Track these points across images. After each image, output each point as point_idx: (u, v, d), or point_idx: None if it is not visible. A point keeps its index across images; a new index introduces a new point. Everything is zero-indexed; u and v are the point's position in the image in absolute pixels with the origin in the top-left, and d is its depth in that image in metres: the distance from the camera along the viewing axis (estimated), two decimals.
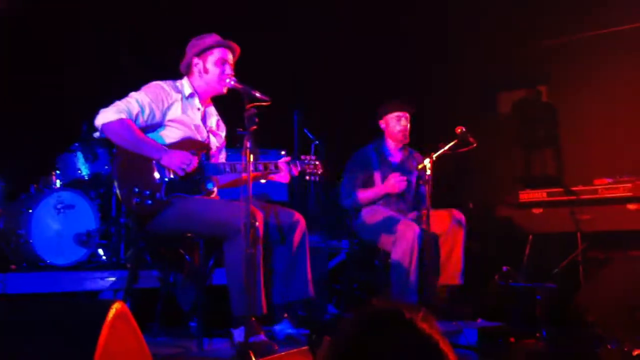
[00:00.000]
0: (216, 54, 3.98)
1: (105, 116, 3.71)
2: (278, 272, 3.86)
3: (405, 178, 5.19)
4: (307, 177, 3.93)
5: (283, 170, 3.89)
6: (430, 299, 4.77)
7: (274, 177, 3.99)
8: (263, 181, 4.08)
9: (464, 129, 4.94)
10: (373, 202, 5.23)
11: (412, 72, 7.36)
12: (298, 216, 3.92)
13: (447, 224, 5.05)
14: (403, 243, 4.83)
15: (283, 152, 5.72)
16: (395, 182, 5.16)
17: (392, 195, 5.23)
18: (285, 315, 3.89)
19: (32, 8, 5.91)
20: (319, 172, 3.92)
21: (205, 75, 3.99)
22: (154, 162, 3.74)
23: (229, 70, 3.97)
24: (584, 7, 6.65)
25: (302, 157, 3.94)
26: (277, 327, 3.86)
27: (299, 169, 3.91)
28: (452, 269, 5.02)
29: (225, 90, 3.99)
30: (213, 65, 3.97)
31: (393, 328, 1.46)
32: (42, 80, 6.01)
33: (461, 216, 5.10)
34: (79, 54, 6.16)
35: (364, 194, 5.22)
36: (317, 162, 3.94)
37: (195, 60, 4.00)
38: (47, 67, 6.02)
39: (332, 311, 5.31)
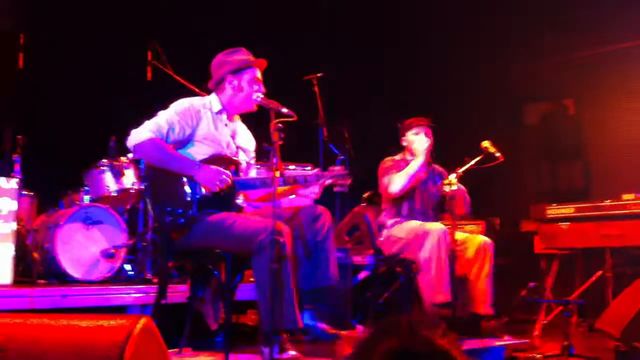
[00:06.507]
0: (251, 72, 3.97)
1: (136, 137, 3.73)
2: (301, 259, 3.76)
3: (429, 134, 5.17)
4: (336, 189, 3.88)
5: (312, 184, 3.82)
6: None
7: (304, 196, 3.91)
8: (292, 196, 4.03)
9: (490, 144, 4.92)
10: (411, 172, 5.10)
11: (438, 86, 7.35)
12: (322, 209, 3.85)
13: (474, 251, 4.93)
14: (433, 241, 4.75)
15: (308, 167, 5.73)
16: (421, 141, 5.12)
17: (415, 208, 5.20)
18: (309, 306, 3.78)
19: (58, 27, 6.00)
20: (348, 184, 3.84)
21: (239, 94, 3.97)
22: (185, 179, 3.74)
23: (261, 88, 3.97)
24: (611, 20, 6.60)
25: (330, 168, 3.86)
26: None
27: (329, 181, 3.83)
28: (480, 298, 4.86)
29: (255, 107, 3.98)
30: (247, 84, 3.95)
31: (408, 344, 1.44)
32: (72, 98, 6.10)
33: (489, 246, 4.94)
34: (109, 71, 6.23)
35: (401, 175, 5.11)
36: (346, 174, 3.84)
37: (230, 77, 3.97)
38: (78, 84, 6.11)
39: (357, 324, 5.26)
